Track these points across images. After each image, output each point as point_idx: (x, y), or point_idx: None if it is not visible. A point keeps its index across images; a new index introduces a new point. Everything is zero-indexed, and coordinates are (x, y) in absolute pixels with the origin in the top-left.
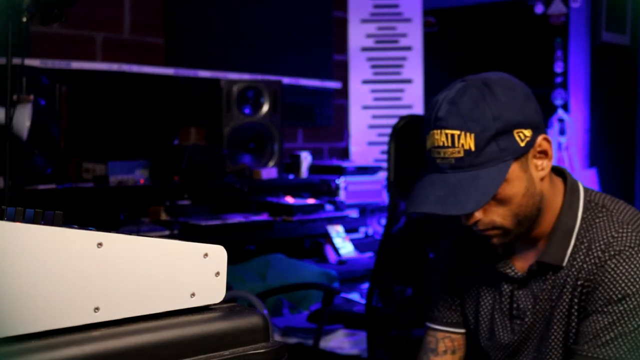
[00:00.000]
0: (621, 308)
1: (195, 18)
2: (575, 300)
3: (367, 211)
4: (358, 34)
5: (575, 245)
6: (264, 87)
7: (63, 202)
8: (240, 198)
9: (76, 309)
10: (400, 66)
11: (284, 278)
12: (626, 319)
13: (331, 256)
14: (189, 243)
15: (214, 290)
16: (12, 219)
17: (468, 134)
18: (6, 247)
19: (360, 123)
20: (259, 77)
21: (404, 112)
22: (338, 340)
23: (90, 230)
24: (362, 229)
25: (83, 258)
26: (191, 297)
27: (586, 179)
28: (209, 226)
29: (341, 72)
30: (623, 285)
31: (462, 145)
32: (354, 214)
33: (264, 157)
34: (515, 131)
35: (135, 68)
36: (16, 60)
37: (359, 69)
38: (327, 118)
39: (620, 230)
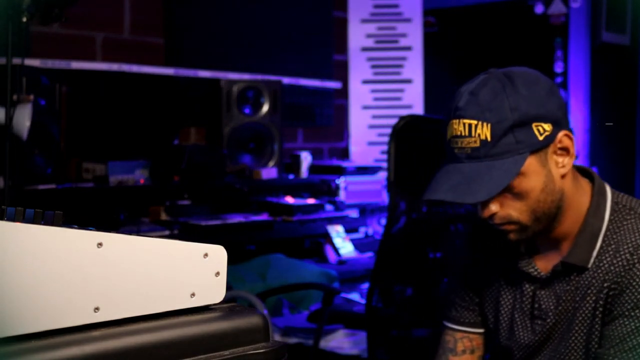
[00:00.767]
0: None
1: (195, 18)
2: (600, 302)
3: (367, 211)
4: (358, 34)
5: (601, 247)
6: (264, 87)
7: (63, 202)
8: (240, 198)
9: (76, 309)
10: (400, 66)
11: (284, 278)
12: None
13: (331, 256)
14: (189, 243)
15: (214, 290)
16: (12, 219)
17: (485, 124)
18: (6, 247)
19: (360, 123)
20: (259, 77)
21: (404, 112)
22: (338, 340)
23: (90, 230)
24: (362, 229)
25: (83, 258)
26: (191, 297)
27: None
28: (209, 226)
29: (341, 72)
30: None
31: (479, 135)
32: (354, 214)
33: (264, 157)
34: (534, 124)
35: (135, 68)
36: (16, 60)
37: (359, 69)
38: (327, 118)
39: None
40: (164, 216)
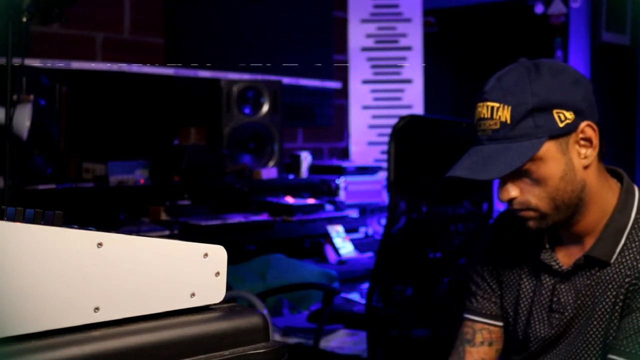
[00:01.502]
0: None
1: (195, 18)
2: (621, 297)
3: (367, 211)
4: (358, 34)
5: (625, 244)
6: (264, 87)
7: (63, 202)
8: (240, 198)
9: (76, 309)
10: (400, 66)
11: (284, 278)
12: None
13: (331, 256)
14: (189, 243)
15: (214, 290)
16: (12, 219)
17: (505, 107)
18: (6, 247)
19: (360, 123)
20: (259, 77)
21: (404, 112)
22: (338, 340)
23: (90, 230)
24: (362, 229)
25: (83, 258)
26: (191, 297)
27: None
28: (209, 226)
29: (341, 72)
30: None
31: (499, 117)
32: (354, 214)
33: (264, 157)
34: (554, 110)
35: (135, 68)
36: (16, 60)
37: (359, 69)
38: (327, 118)
39: None
40: (164, 216)
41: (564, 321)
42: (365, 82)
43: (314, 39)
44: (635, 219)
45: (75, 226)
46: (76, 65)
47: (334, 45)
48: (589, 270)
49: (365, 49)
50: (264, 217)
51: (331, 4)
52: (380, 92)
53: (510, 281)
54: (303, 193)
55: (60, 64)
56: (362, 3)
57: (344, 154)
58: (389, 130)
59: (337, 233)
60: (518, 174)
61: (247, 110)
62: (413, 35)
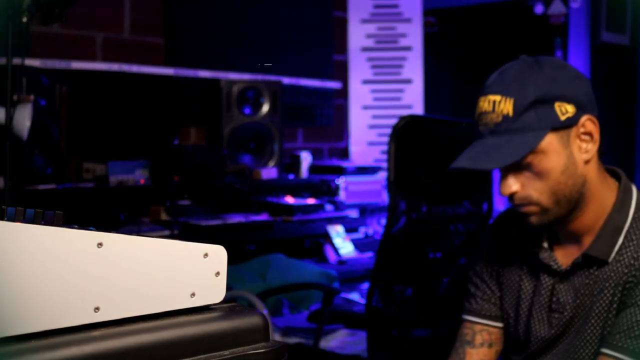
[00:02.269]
0: None
1: (195, 18)
2: (617, 295)
3: (367, 211)
4: (358, 34)
5: (623, 243)
6: (264, 87)
7: (63, 202)
8: (240, 198)
9: (76, 309)
10: (400, 66)
11: (284, 278)
12: None
13: (331, 256)
14: (189, 243)
15: (214, 290)
16: (12, 219)
17: (507, 99)
18: (6, 247)
19: (360, 123)
20: (259, 77)
21: (404, 112)
22: (338, 340)
23: (90, 230)
24: (362, 229)
25: (83, 258)
26: (191, 297)
27: None
28: (209, 226)
29: (341, 72)
30: None
31: (502, 110)
32: (354, 214)
33: (264, 157)
34: (556, 103)
35: (135, 68)
36: (16, 60)
37: (359, 69)
38: (327, 118)
39: None
40: (164, 216)
41: (564, 321)
42: (365, 82)
43: (314, 39)
44: (633, 217)
45: (76, 226)
46: (76, 65)
47: (334, 45)
48: (587, 270)
49: (365, 49)
50: (264, 217)
51: (331, 4)
52: (380, 92)
53: (510, 282)
54: (303, 193)
55: (60, 64)
56: (362, 3)
57: (344, 154)
58: (389, 130)
59: (337, 233)
60: (519, 168)
61: (247, 111)
62: (413, 35)
